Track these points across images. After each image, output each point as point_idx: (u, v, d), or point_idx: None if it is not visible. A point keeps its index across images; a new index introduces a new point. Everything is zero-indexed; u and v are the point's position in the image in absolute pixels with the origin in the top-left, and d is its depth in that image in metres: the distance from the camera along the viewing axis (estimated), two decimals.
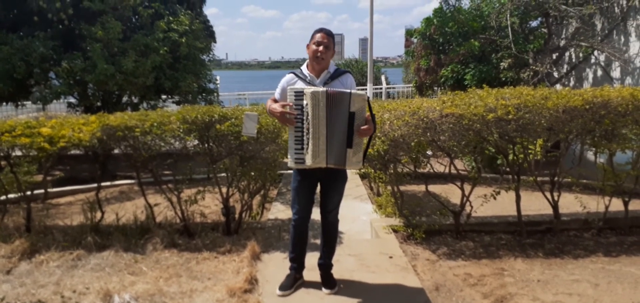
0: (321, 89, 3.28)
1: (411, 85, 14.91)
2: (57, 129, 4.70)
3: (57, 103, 11.76)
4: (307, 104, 3.27)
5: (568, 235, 4.98)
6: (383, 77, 20.47)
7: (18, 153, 5.11)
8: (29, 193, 5.25)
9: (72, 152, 5.07)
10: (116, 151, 5.16)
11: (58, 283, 3.95)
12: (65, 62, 9.24)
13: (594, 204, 5.08)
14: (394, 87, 20.02)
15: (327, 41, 3.43)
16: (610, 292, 3.79)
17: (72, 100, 10.86)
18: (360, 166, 3.46)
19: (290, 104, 3.34)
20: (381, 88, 18.67)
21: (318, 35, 3.43)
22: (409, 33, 12.55)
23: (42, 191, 5.93)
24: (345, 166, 3.39)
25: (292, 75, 3.57)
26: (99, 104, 10.41)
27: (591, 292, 3.79)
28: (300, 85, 3.45)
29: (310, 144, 3.30)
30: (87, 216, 5.15)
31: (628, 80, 8.29)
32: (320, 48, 3.40)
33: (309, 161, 3.34)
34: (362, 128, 3.27)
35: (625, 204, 5.03)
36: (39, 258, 4.42)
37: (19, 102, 11.03)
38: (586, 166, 5.40)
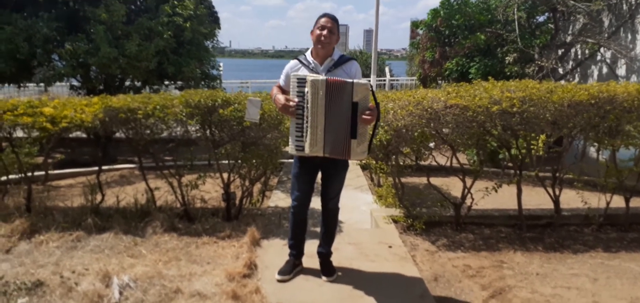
0: (321, 77, 3.24)
1: (415, 78, 14.85)
2: (60, 109, 4.68)
3: (60, 85, 11.72)
4: (307, 92, 3.24)
5: (568, 229, 4.97)
6: (387, 69, 20.41)
7: (20, 133, 5.10)
8: (30, 174, 5.25)
9: (74, 135, 5.06)
10: (118, 134, 5.15)
11: (57, 263, 3.95)
12: (69, 44, 9.21)
13: (595, 200, 5.07)
14: (397, 80, 19.94)
15: (332, 25, 3.38)
16: (609, 286, 3.78)
17: (75, 82, 10.84)
18: (365, 156, 3.41)
19: (293, 99, 3.31)
20: (385, 80, 18.61)
21: (322, 20, 3.39)
22: (415, 24, 12.49)
23: (43, 172, 5.93)
24: (349, 157, 3.34)
25: (296, 61, 3.55)
26: (101, 87, 10.38)
27: (590, 286, 3.78)
28: (303, 72, 3.42)
29: (308, 132, 3.28)
30: (87, 198, 5.16)
31: (633, 78, 8.24)
32: (325, 32, 3.36)
33: (307, 150, 3.33)
34: (364, 115, 3.18)
35: (627, 201, 5.01)
36: (38, 238, 4.42)
37: (21, 84, 11.02)
38: (588, 162, 5.38)
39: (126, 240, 4.45)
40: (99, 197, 5.19)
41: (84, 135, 8.77)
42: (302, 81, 3.29)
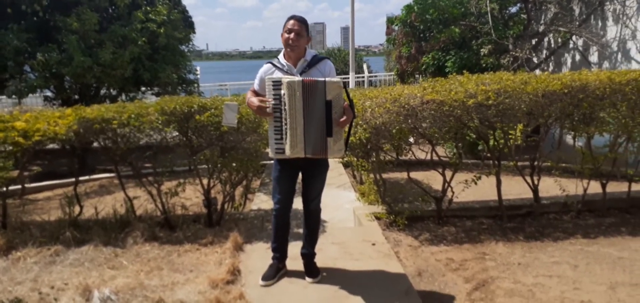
0: (297, 78, 3.26)
1: (393, 73, 14.92)
2: (32, 123, 4.59)
3: (34, 97, 11.51)
4: (284, 94, 3.24)
5: (548, 218, 5.04)
6: (365, 66, 20.49)
7: None
8: (4, 189, 5.13)
9: (50, 146, 4.97)
10: (95, 144, 5.08)
11: (35, 279, 3.87)
12: (41, 54, 9.04)
13: (573, 187, 5.15)
14: (376, 76, 20.02)
15: (299, 27, 3.37)
16: (589, 273, 3.85)
17: (49, 93, 10.64)
18: (343, 153, 3.45)
19: (269, 99, 3.32)
20: (363, 77, 18.67)
21: (289, 23, 3.39)
22: (390, 21, 12.53)
23: (18, 186, 5.81)
24: (326, 156, 3.38)
25: (269, 65, 3.54)
26: (76, 97, 10.21)
27: (571, 273, 3.84)
28: (278, 75, 3.42)
29: (288, 134, 3.28)
30: (65, 211, 5.06)
31: (605, 64, 8.40)
32: (292, 35, 3.35)
33: (288, 152, 3.33)
34: (341, 120, 3.23)
35: (603, 186, 5.10)
36: (15, 254, 4.32)
37: None
38: (565, 150, 5.47)
39: (106, 252, 4.37)
40: (77, 209, 5.10)
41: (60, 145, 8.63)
42: (277, 84, 3.30)
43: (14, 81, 9.53)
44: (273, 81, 3.31)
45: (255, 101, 3.39)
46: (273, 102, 3.31)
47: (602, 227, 4.79)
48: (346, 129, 3.45)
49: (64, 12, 9.29)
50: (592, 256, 4.14)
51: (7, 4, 9.10)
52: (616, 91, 4.61)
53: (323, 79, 3.24)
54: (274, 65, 3.49)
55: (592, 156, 5.02)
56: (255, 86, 3.57)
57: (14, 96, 9.55)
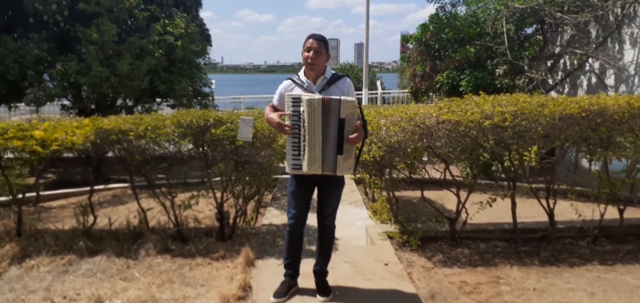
0: (317, 96, 3.29)
1: (406, 91, 14.90)
2: (50, 132, 4.65)
3: (51, 105, 11.65)
4: (303, 111, 3.27)
5: (564, 242, 4.96)
6: (378, 83, 20.48)
7: (10, 155, 5.05)
8: (20, 196, 5.19)
9: (66, 155, 5.02)
10: (109, 154, 5.12)
11: (48, 288, 3.89)
12: (60, 64, 9.17)
13: (589, 212, 5.07)
14: (389, 93, 20.01)
15: (318, 46, 3.42)
16: (606, 301, 3.77)
17: (66, 102, 10.78)
18: (352, 172, 3.47)
19: (288, 113, 3.35)
20: (377, 93, 18.67)
21: (308, 42, 3.44)
22: (405, 39, 12.54)
23: (34, 194, 5.86)
24: (335, 173, 3.39)
25: (289, 81, 3.57)
26: (93, 106, 10.33)
27: (587, 301, 3.77)
28: (297, 91, 3.45)
29: (306, 151, 3.30)
30: (79, 221, 5.10)
31: (622, 87, 8.32)
32: (311, 54, 3.40)
33: (305, 168, 3.34)
34: (351, 136, 3.27)
35: (621, 212, 5.02)
36: (29, 262, 4.36)
37: (12, 104, 10.94)
38: (581, 173, 5.39)
39: (119, 263, 4.39)
40: (90, 219, 5.13)
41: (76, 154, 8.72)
42: (297, 101, 3.33)
43: (33, 89, 9.68)
44: (293, 98, 3.34)
45: (275, 117, 3.44)
46: (292, 118, 3.33)
47: (620, 254, 4.70)
48: (357, 149, 3.47)
49: (84, 23, 9.43)
50: (609, 283, 4.06)
51: (29, 13, 9.26)
52: (635, 116, 4.55)
53: (338, 97, 3.27)
54: (294, 81, 3.53)
55: (609, 180, 4.95)
56: (275, 101, 3.60)
57: (32, 104, 9.70)
